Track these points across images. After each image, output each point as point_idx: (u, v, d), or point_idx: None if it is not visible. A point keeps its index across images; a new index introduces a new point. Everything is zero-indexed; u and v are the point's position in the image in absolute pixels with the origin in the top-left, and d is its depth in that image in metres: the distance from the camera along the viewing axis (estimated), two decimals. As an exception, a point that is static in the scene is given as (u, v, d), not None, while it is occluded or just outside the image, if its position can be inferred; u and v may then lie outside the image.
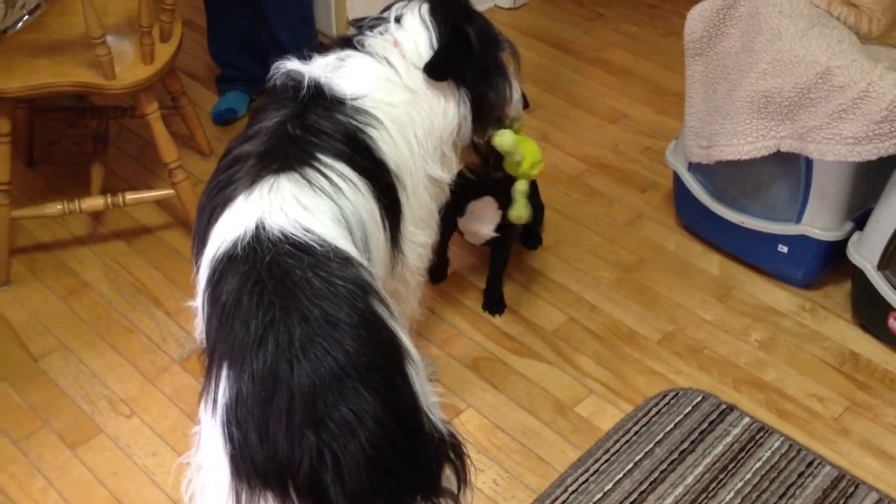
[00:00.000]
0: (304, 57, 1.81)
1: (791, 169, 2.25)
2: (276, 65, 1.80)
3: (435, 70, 1.83)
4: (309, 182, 1.55)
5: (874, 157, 2.04)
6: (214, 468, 1.44)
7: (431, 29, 1.86)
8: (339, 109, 1.68)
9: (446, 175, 1.89)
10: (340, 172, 1.60)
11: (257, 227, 1.47)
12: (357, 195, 1.61)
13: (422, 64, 1.84)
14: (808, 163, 2.20)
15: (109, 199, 2.41)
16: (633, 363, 2.25)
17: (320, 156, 1.60)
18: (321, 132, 1.63)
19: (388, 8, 1.92)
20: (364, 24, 1.89)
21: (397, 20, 1.86)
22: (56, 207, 2.39)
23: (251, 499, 1.40)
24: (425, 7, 1.88)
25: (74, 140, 2.90)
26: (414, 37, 1.85)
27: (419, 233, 1.86)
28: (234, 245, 1.47)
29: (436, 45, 1.85)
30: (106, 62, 2.19)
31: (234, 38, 2.94)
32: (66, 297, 2.40)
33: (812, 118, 2.07)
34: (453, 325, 2.35)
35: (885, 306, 2.21)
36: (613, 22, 3.47)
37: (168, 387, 2.18)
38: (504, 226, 2.23)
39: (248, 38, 2.92)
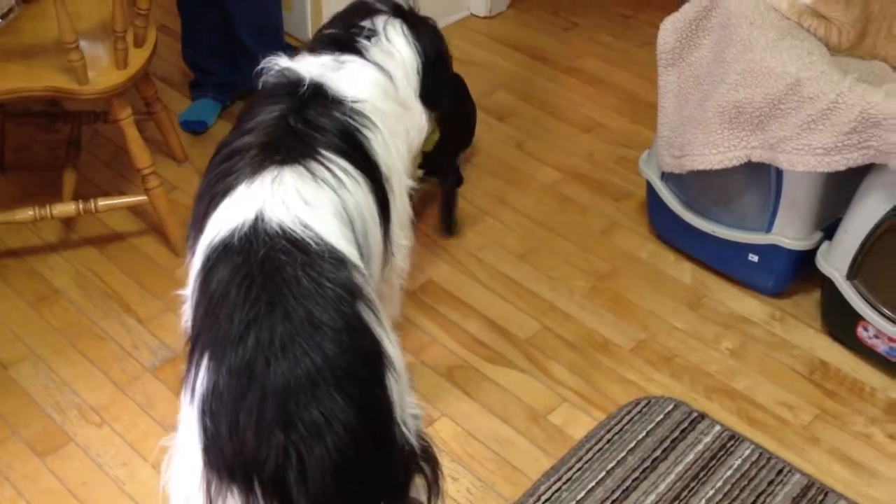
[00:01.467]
0: (292, 55, 1.83)
1: (761, 179, 2.27)
2: (266, 61, 1.81)
3: (440, 106, 2.00)
4: (312, 174, 1.57)
5: (843, 168, 2.07)
6: (190, 454, 1.45)
7: (417, 52, 1.95)
8: (338, 108, 1.71)
9: (412, 183, 1.93)
10: (342, 167, 1.62)
11: (256, 219, 1.48)
12: (358, 189, 1.63)
13: (410, 82, 1.92)
14: (779, 173, 2.23)
15: (81, 206, 2.39)
16: (606, 371, 2.26)
17: (322, 150, 1.61)
18: (321, 128, 1.66)
19: (357, 14, 1.95)
20: (361, 32, 1.91)
21: (385, 34, 1.91)
22: (27, 213, 2.37)
23: (219, 490, 1.41)
24: (406, 26, 1.95)
25: (46, 145, 2.88)
26: (404, 56, 1.93)
27: (402, 235, 1.90)
28: (231, 235, 1.48)
29: (421, 70, 1.94)
30: (79, 67, 2.18)
31: (206, 43, 2.93)
32: (36, 304, 2.38)
33: (782, 129, 2.09)
34: (427, 332, 2.35)
35: (853, 315, 2.24)
36: (588, 31, 3.49)
37: (139, 395, 2.17)
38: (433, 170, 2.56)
39: (220, 42, 2.91)
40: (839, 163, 2.05)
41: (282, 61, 1.80)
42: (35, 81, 2.22)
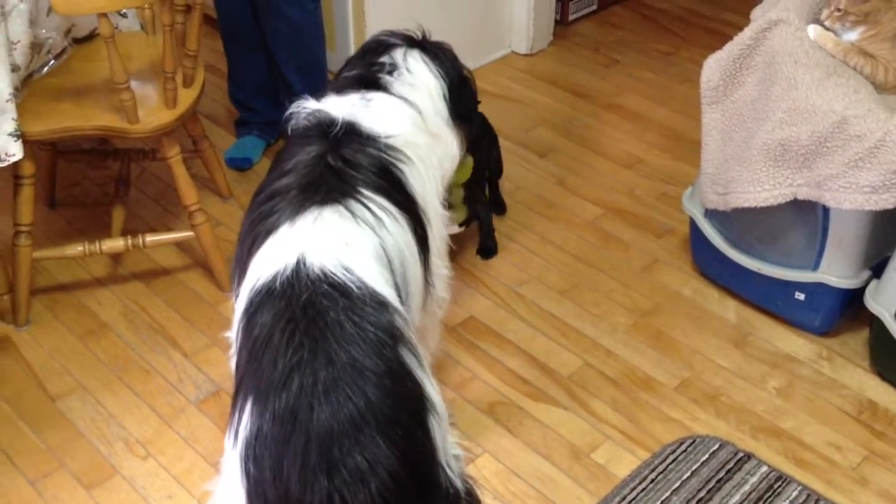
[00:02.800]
0: (318, 97, 1.86)
1: (808, 217, 2.25)
2: (295, 104, 1.84)
3: (472, 120, 2.05)
4: (352, 214, 1.58)
5: (891, 206, 2.04)
6: (233, 499, 1.45)
7: (440, 77, 1.98)
8: (372, 145, 1.74)
9: (445, 212, 1.95)
10: (381, 205, 1.63)
11: (298, 263, 1.50)
12: (397, 228, 1.64)
13: (438, 110, 1.91)
14: (825, 210, 2.21)
15: (130, 241, 2.44)
16: (650, 409, 2.24)
17: (362, 189, 1.63)
18: (359, 165, 1.68)
19: (375, 52, 1.99)
20: (382, 68, 1.94)
21: (406, 66, 1.93)
22: (77, 249, 2.42)
23: None
24: (426, 55, 1.99)
25: (96, 182, 2.94)
26: (428, 84, 1.95)
27: (442, 265, 1.91)
28: (274, 279, 1.49)
29: (447, 94, 1.96)
30: (130, 107, 2.23)
31: (251, 83, 2.99)
32: (84, 338, 2.42)
33: (829, 167, 2.08)
34: (468, 368, 2.35)
35: (903, 355, 2.20)
36: (629, 68, 3.50)
37: (184, 429, 2.19)
38: (469, 218, 2.61)
39: (265, 82, 2.97)
40: (887, 201, 2.03)
41: (310, 104, 1.83)
42: (86, 120, 2.27)
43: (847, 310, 2.38)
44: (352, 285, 1.47)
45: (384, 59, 1.96)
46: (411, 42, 2.01)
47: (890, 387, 2.29)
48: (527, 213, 2.83)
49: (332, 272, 1.48)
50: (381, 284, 1.53)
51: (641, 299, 2.55)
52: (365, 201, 1.61)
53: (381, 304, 1.49)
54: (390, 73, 1.93)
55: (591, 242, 2.73)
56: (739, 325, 2.47)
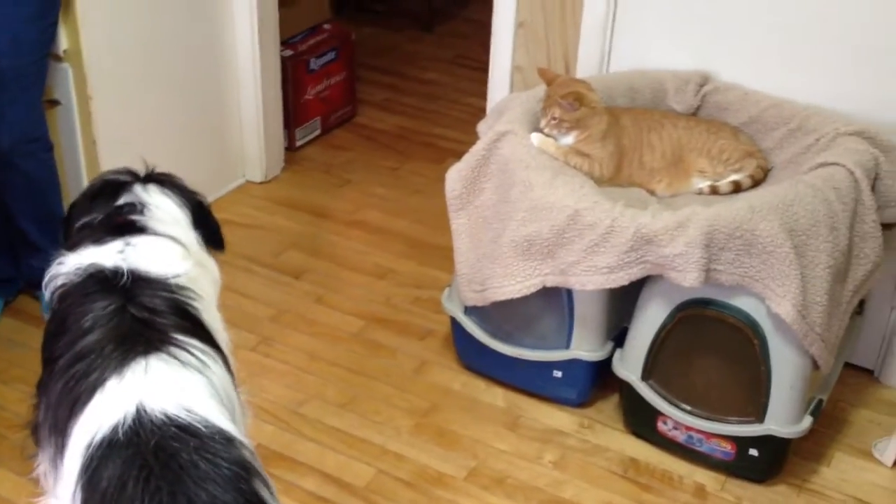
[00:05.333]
0: (72, 249, 1.80)
1: (555, 301, 2.50)
2: (55, 262, 1.78)
3: (223, 245, 2.05)
4: (179, 361, 1.58)
5: (626, 282, 2.33)
6: None
7: (184, 206, 1.97)
8: (164, 289, 1.71)
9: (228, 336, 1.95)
10: (197, 346, 1.63)
11: (138, 411, 1.47)
12: (217, 367, 1.66)
13: (194, 239, 1.94)
14: (569, 293, 2.46)
15: None
16: None
17: (174, 334, 1.62)
18: (162, 312, 1.66)
19: (110, 194, 1.93)
20: (131, 209, 1.90)
21: (152, 202, 1.93)
22: None
23: None
24: (162, 188, 1.96)
25: None
26: (178, 217, 1.94)
27: (242, 390, 1.90)
28: (115, 430, 1.45)
29: (196, 222, 1.98)
30: None
31: (-17, 238, 2.82)
32: None
33: (570, 255, 2.34)
34: (265, 497, 2.32)
35: (653, 412, 2.48)
36: (361, 185, 3.68)
37: None
38: None
39: None
40: (622, 278, 2.32)
41: (72, 258, 1.76)
42: None
43: (597, 380, 2.64)
44: (199, 425, 1.47)
45: (126, 198, 1.90)
46: (142, 177, 1.97)
47: (644, 443, 2.55)
48: (292, 335, 2.88)
49: (176, 415, 1.47)
50: (224, 421, 1.54)
51: (418, 400, 2.67)
52: (184, 346, 1.61)
53: (228, 440, 1.50)
54: (141, 212, 1.88)
55: (360, 353, 2.83)
56: (509, 410, 2.66)
